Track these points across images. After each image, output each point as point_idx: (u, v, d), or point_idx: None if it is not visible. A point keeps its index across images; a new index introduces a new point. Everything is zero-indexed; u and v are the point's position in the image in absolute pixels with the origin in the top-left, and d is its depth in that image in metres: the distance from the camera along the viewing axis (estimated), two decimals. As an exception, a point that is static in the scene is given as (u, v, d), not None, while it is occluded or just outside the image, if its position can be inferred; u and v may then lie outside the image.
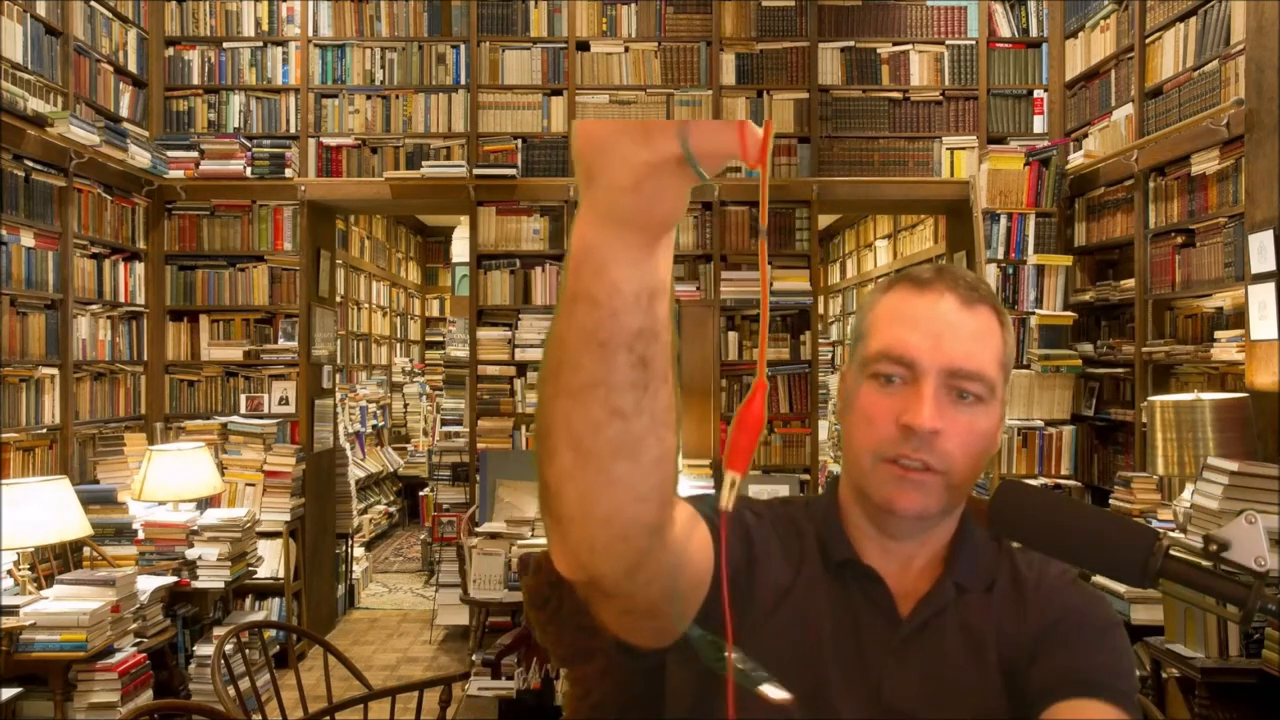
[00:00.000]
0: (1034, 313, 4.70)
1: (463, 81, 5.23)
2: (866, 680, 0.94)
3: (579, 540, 0.68)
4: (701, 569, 0.84)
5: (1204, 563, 0.81)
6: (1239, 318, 3.57)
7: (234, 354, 5.13)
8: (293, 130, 5.23)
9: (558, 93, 5.22)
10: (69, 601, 3.34)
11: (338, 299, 6.46)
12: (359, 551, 6.70)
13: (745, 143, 0.57)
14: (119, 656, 3.41)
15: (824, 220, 8.40)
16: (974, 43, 5.21)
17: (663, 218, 0.59)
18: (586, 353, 0.61)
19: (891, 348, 0.94)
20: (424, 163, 5.12)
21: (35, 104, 4.01)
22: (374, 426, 8.79)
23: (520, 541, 4.11)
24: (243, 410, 5.08)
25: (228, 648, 2.67)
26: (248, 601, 4.80)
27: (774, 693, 0.74)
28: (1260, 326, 3.24)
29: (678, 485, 0.70)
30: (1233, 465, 2.91)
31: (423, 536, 7.11)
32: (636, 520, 0.67)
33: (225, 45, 5.23)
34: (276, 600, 4.85)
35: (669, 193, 0.58)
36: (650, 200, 0.58)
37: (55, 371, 4.20)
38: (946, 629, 0.96)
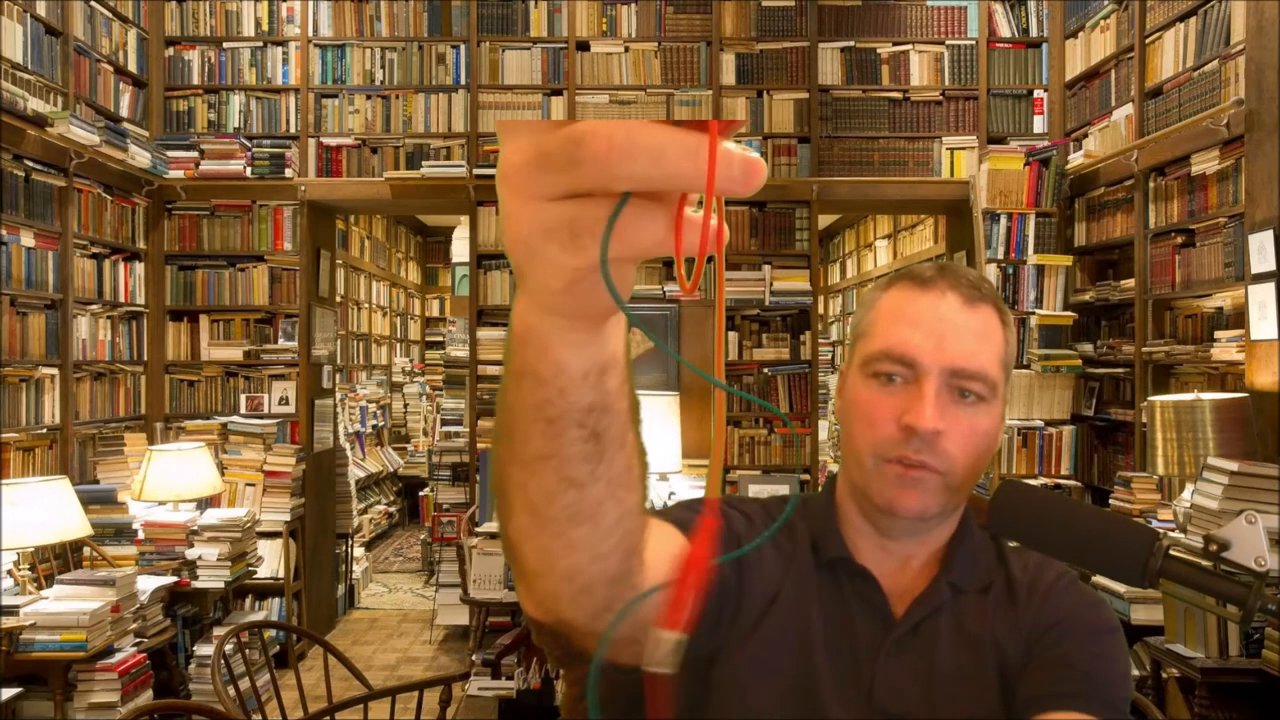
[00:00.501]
0: (1034, 313, 4.70)
1: (463, 81, 5.23)
2: (858, 680, 0.94)
3: (542, 592, 0.67)
4: None
5: (1204, 563, 0.81)
6: (1239, 318, 3.57)
7: (234, 354, 5.13)
8: (293, 130, 5.23)
9: (558, 93, 5.22)
10: (69, 601, 3.34)
11: (338, 299, 6.46)
12: (359, 551, 6.70)
13: (679, 237, 0.47)
14: (119, 656, 3.41)
15: (824, 220, 8.40)
16: (974, 43, 5.21)
17: (604, 309, 0.52)
18: (535, 427, 0.57)
19: (893, 347, 0.94)
20: (424, 163, 5.12)
21: (35, 104, 4.01)
22: (374, 426, 8.79)
23: (520, 541, 4.09)
24: (243, 410, 5.08)
25: (228, 648, 2.67)
26: (248, 601, 4.80)
27: None
28: (1260, 326, 3.24)
29: (644, 536, 0.68)
30: (1233, 465, 2.91)
31: (423, 536, 7.11)
32: (600, 575, 0.66)
33: (225, 45, 5.23)
34: (276, 600, 4.84)
35: (626, 272, 0.51)
36: (586, 298, 0.50)
37: (55, 371, 4.20)
38: (940, 630, 0.96)
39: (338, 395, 6.03)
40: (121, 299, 4.82)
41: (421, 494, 7.77)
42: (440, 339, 10.63)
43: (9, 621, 3.13)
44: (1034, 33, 5.22)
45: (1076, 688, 0.89)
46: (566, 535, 0.62)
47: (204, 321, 5.15)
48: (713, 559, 0.53)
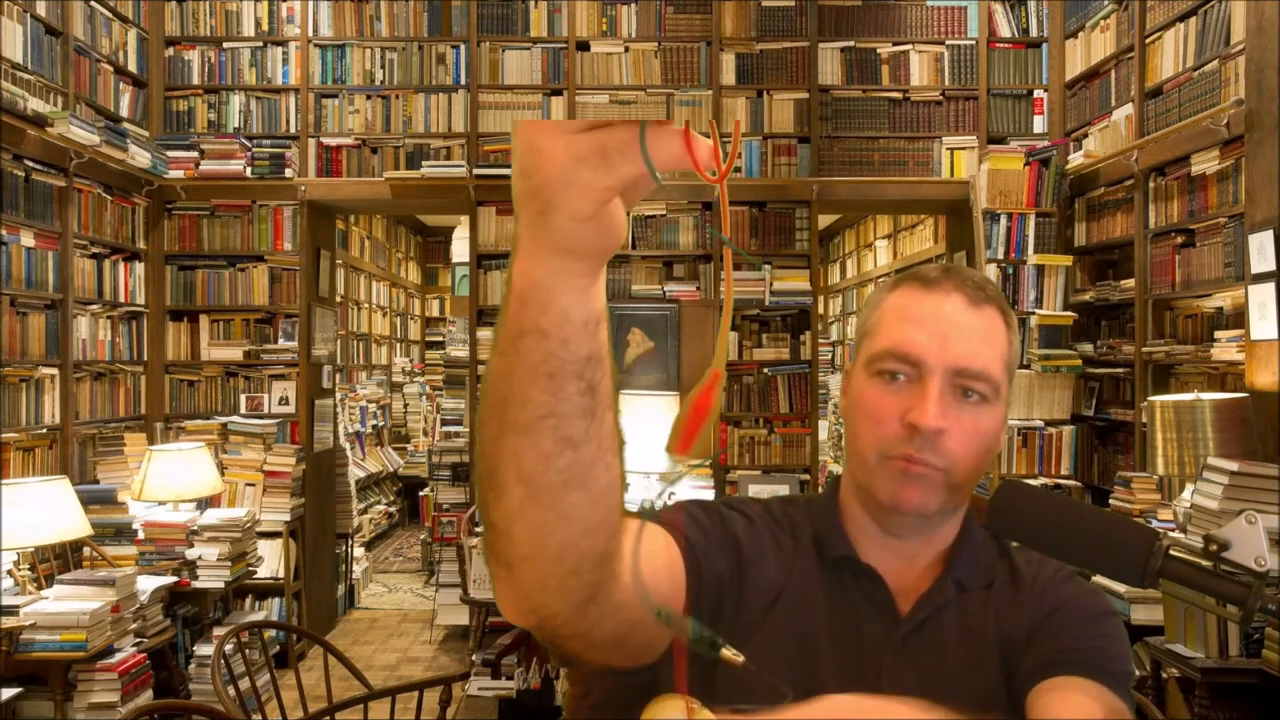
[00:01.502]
0: (1034, 313, 4.70)
1: (463, 81, 5.23)
2: (865, 678, 0.94)
3: (530, 580, 0.68)
4: (666, 591, 0.83)
5: (1204, 563, 0.81)
6: (1239, 318, 3.57)
7: (234, 354, 5.13)
8: (293, 130, 5.23)
9: (558, 93, 5.22)
10: (69, 601, 3.34)
11: (338, 299, 6.46)
12: (359, 551, 6.70)
13: (693, 153, 0.56)
14: (119, 656, 3.41)
15: (824, 220, 8.41)
16: (974, 43, 5.21)
17: (615, 241, 0.59)
18: (535, 385, 0.61)
19: (898, 346, 0.94)
20: (424, 163, 5.12)
21: (35, 104, 4.01)
22: (374, 426, 8.79)
23: (520, 541, 4.09)
24: (243, 410, 5.08)
25: (228, 648, 2.67)
26: (248, 601, 4.80)
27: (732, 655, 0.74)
28: (1260, 326, 3.24)
29: (625, 520, 0.70)
30: (1233, 465, 2.91)
31: (423, 536, 7.11)
32: (589, 552, 0.67)
33: (225, 45, 5.23)
34: (276, 600, 4.85)
35: (621, 215, 0.58)
36: (607, 226, 0.58)
37: (55, 371, 4.20)
38: (946, 627, 0.96)
39: (338, 395, 6.03)
40: (121, 299, 4.82)
41: (421, 494, 7.77)
42: (440, 339, 10.64)
43: (9, 621, 3.13)
44: (1034, 33, 5.22)
45: (1075, 659, 0.90)
46: (561, 504, 0.64)
47: (204, 321, 5.15)
48: (717, 406, 0.63)
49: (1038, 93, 5.21)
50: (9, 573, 3.39)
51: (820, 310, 7.39)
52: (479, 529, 4.41)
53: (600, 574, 0.70)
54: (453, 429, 5.72)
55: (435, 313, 11.60)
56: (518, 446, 0.63)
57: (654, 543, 0.86)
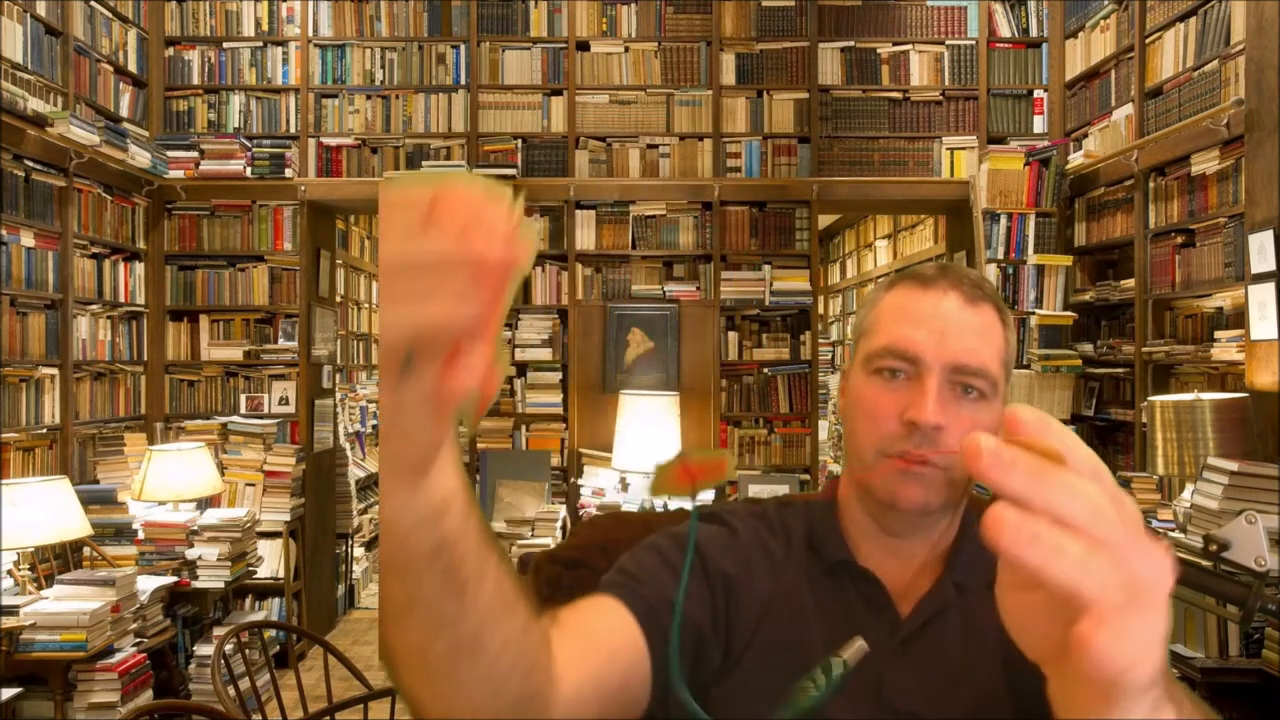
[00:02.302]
0: (1034, 313, 4.70)
1: (463, 81, 5.23)
2: (866, 681, 0.93)
3: None
4: (620, 676, 0.83)
5: (1204, 563, 0.81)
6: (1239, 318, 3.57)
7: (234, 354, 5.13)
8: (293, 130, 5.23)
9: (558, 93, 5.22)
10: (69, 601, 3.34)
11: (338, 299, 6.46)
12: (359, 551, 6.69)
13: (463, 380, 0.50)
14: (119, 656, 3.41)
15: (824, 220, 8.40)
16: (974, 43, 5.21)
17: (419, 452, 0.54)
18: (394, 579, 0.61)
19: (895, 343, 0.95)
20: (424, 163, 5.12)
21: (35, 104, 4.01)
22: (374, 426, 8.78)
23: (520, 541, 4.10)
24: (243, 410, 5.08)
25: (228, 648, 2.67)
26: (248, 601, 4.80)
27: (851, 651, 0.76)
28: (1260, 326, 3.24)
29: (543, 651, 0.70)
30: (1233, 465, 2.91)
31: (423, 536, 7.10)
32: (505, 704, 0.68)
33: (225, 45, 5.23)
34: (276, 600, 4.84)
35: (424, 425, 0.52)
36: (405, 434, 0.53)
37: (55, 371, 4.20)
38: (947, 628, 0.96)
39: (338, 395, 6.03)
40: (121, 299, 4.82)
41: (421, 494, 7.75)
42: (440, 339, 10.59)
43: (9, 621, 3.13)
44: (1034, 33, 5.22)
45: None
46: (454, 677, 0.64)
47: (204, 321, 5.15)
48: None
49: (1038, 93, 5.21)
50: (9, 573, 3.40)
51: (820, 310, 7.39)
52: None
53: (526, 711, 0.70)
54: (453, 429, 5.71)
55: (435, 313, 11.58)
56: (399, 632, 0.63)
57: (602, 627, 0.85)
